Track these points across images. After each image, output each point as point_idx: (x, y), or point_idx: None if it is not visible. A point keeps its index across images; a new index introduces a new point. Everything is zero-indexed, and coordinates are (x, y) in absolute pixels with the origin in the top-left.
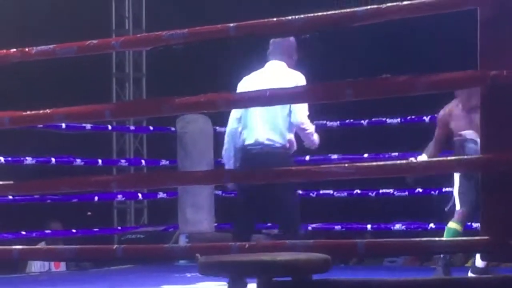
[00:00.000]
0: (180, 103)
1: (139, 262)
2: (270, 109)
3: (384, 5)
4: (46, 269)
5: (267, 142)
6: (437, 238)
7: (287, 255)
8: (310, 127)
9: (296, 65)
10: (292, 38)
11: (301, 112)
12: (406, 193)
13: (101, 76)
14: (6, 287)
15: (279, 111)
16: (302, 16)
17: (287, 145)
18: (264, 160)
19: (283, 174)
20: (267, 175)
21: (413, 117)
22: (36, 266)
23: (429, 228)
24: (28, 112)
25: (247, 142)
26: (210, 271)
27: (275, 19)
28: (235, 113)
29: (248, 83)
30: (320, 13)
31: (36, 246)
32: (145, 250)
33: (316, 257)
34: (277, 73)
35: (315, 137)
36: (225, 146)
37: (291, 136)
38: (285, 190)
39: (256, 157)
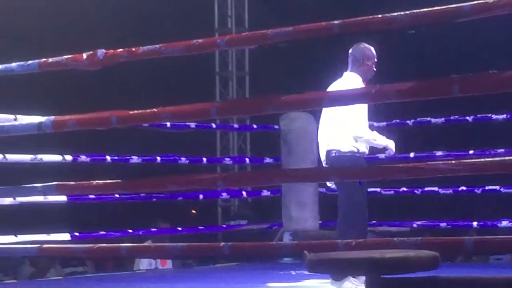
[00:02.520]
0: (285, 101)
1: (244, 259)
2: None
3: (491, 0)
4: (153, 267)
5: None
6: (499, 236)
7: (396, 252)
8: (366, 135)
9: (369, 71)
10: (361, 47)
11: (353, 124)
12: None
13: (204, 75)
14: (115, 284)
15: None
16: (407, 12)
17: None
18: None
19: (389, 172)
20: (372, 172)
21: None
22: (143, 264)
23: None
24: (135, 111)
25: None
26: (319, 268)
27: (380, 15)
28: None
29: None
30: (425, 9)
31: (144, 244)
32: (251, 248)
33: (425, 254)
34: (342, 83)
35: (380, 142)
36: None
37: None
38: None
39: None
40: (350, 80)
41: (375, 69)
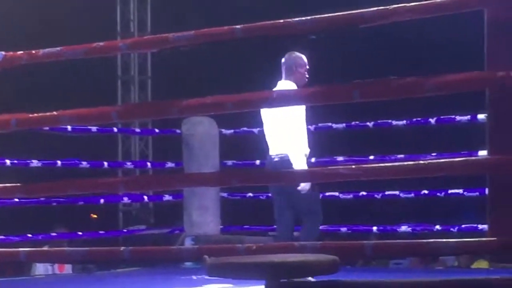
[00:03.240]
0: (187, 105)
1: (145, 264)
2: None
3: (391, 7)
4: (50, 272)
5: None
6: (444, 240)
7: (296, 256)
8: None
9: (302, 79)
10: (293, 56)
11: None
12: (412, 194)
13: (106, 79)
14: None
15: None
16: (309, 17)
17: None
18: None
19: (291, 176)
20: (274, 177)
21: (419, 119)
22: (39, 269)
23: (435, 229)
24: (35, 114)
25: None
26: (219, 273)
27: (282, 20)
28: None
29: None
30: (327, 15)
31: (43, 249)
32: (152, 252)
33: (324, 259)
34: None
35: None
36: None
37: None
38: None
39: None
40: (286, 88)
41: (307, 76)
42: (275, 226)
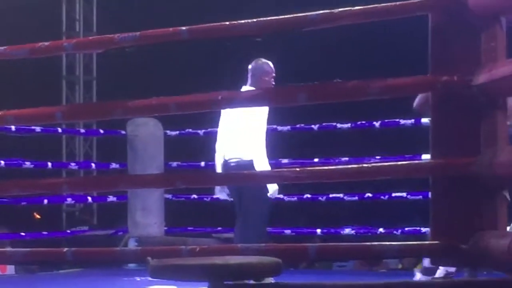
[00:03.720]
0: (132, 106)
1: (88, 265)
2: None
3: (336, 10)
4: None
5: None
6: (387, 243)
7: (239, 258)
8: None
9: (268, 85)
10: (259, 63)
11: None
12: (356, 197)
13: (51, 79)
14: None
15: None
16: (255, 20)
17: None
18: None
19: (234, 178)
20: (219, 178)
21: (363, 122)
22: None
23: (378, 232)
24: None
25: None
26: (162, 275)
27: (227, 22)
28: None
29: None
30: (272, 17)
31: None
32: (95, 254)
33: (267, 261)
34: None
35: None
36: None
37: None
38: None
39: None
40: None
41: (273, 83)
42: (219, 228)
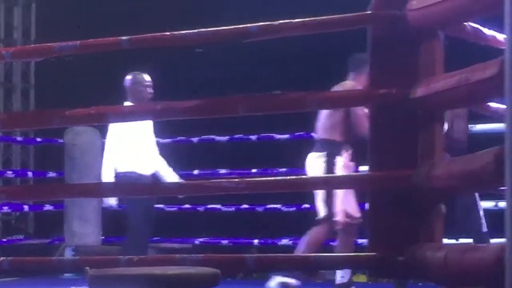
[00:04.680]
0: (70, 115)
1: (24, 274)
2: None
3: (276, 22)
4: None
5: None
6: (325, 254)
7: (178, 269)
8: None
9: (142, 97)
10: (129, 77)
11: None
12: (294, 208)
13: None
14: None
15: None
16: (196, 30)
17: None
18: None
19: (173, 189)
20: (154, 189)
21: (301, 133)
22: None
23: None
24: None
25: None
26: (100, 284)
27: (168, 33)
28: None
29: None
30: (214, 28)
31: None
32: (32, 263)
33: (206, 271)
34: None
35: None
36: None
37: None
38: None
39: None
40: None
41: (150, 92)
42: (157, 238)
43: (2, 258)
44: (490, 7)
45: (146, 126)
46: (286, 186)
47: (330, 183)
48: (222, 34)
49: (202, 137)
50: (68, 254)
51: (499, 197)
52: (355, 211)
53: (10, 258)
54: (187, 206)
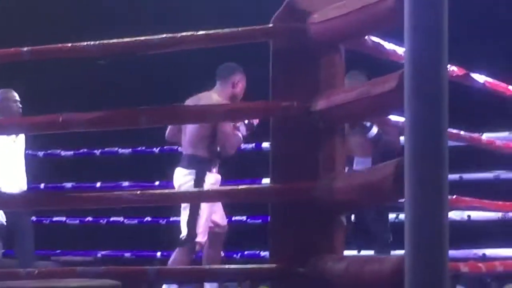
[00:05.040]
0: None
1: None
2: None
3: (179, 34)
4: None
5: None
6: (225, 266)
7: (79, 281)
8: None
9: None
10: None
11: None
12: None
13: None
14: None
15: None
16: (97, 42)
17: None
18: None
19: (76, 200)
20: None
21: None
22: None
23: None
24: None
25: None
26: None
27: (69, 44)
28: None
29: None
30: (116, 40)
31: None
32: None
33: (107, 284)
34: None
35: None
36: None
37: None
38: None
39: None
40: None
41: (19, 107)
42: (58, 251)
43: None
44: (389, 22)
45: (15, 142)
46: (185, 199)
47: (232, 195)
48: (124, 46)
49: (106, 149)
50: None
51: (399, 209)
52: (222, 220)
53: None
54: (89, 218)
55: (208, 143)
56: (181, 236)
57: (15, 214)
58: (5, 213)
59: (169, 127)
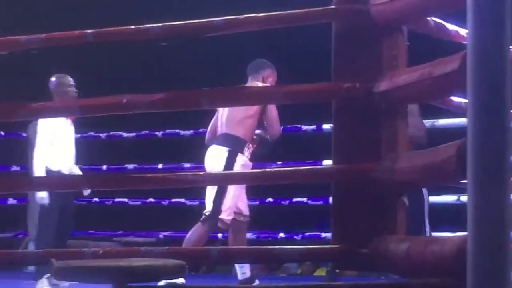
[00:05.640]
0: (35, 108)
1: None
2: None
3: (241, 16)
4: None
5: None
6: (289, 247)
7: (143, 260)
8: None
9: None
10: (53, 79)
11: None
12: (257, 202)
13: None
14: None
15: None
16: (160, 24)
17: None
18: None
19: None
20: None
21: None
22: None
23: (279, 237)
24: None
25: None
26: (66, 276)
27: (133, 26)
28: None
29: None
30: (178, 22)
31: None
32: None
33: (171, 263)
34: None
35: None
36: None
37: None
38: None
39: None
40: None
41: (75, 91)
42: (120, 232)
43: None
44: (453, 3)
45: (71, 125)
46: (250, 179)
47: (294, 176)
48: (186, 28)
49: (111, 133)
50: (32, 248)
51: (461, 191)
52: (246, 209)
53: None
54: (151, 200)
55: (247, 125)
56: (205, 211)
57: (64, 195)
58: (53, 194)
59: (207, 132)
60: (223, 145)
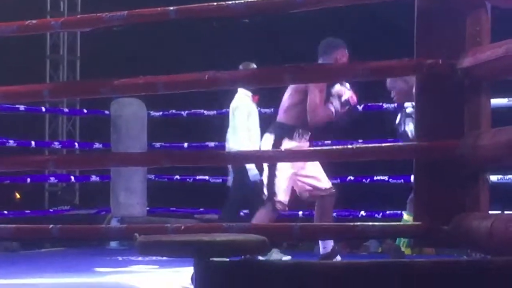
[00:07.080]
0: (119, 84)
1: (69, 244)
2: None
3: None
4: None
5: None
6: (371, 223)
7: (225, 235)
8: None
9: None
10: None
11: None
12: (338, 180)
13: (34, 58)
14: None
15: None
16: (242, 1)
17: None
18: None
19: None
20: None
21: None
22: None
23: (359, 215)
24: None
25: None
26: (149, 251)
27: (215, 3)
28: None
29: None
30: None
31: None
32: (80, 231)
33: (253, 238)
34: None
35: None
36: None
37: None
38: None
39: None
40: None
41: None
42: (202, 209)
43: (51, 225)
44: None
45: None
46: (331, 156)
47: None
48: (269, 5)
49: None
50: (114, 224)
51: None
52: (321, 184)
53: (59, 226)
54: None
55: (296, 111)
56: (263, 196)
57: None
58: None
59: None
60: (271, 133)
